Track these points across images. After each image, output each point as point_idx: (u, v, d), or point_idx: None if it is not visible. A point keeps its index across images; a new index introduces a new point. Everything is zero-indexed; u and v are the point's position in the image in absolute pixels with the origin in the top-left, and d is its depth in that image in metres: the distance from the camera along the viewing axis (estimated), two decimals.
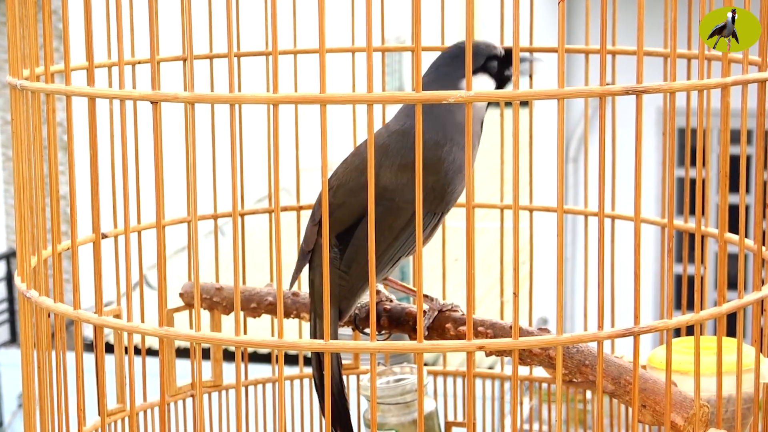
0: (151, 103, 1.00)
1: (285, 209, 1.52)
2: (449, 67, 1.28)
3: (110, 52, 1.37)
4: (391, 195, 1.22)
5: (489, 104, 1.31)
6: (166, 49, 1.42)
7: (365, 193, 1.20)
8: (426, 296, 1.30)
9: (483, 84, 1.27)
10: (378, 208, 1.21)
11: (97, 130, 1.03)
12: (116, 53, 1.04)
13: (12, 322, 7.25)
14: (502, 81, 1.29)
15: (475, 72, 1.26)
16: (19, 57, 1.17)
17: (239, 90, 1.40)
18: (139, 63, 1.41)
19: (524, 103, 1.01)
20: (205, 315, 1.50)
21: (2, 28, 7.13)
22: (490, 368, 4.14)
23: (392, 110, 1.50)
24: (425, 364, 1.14)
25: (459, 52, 1.27)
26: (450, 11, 1.56)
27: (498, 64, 1.28)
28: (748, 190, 1.09)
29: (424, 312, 1.29)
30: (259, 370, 1.65)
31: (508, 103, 1.61)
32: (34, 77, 1.14)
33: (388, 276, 1.30)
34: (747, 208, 1.10)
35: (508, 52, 1.28)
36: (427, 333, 1.29)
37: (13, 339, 7.24)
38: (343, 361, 1.62)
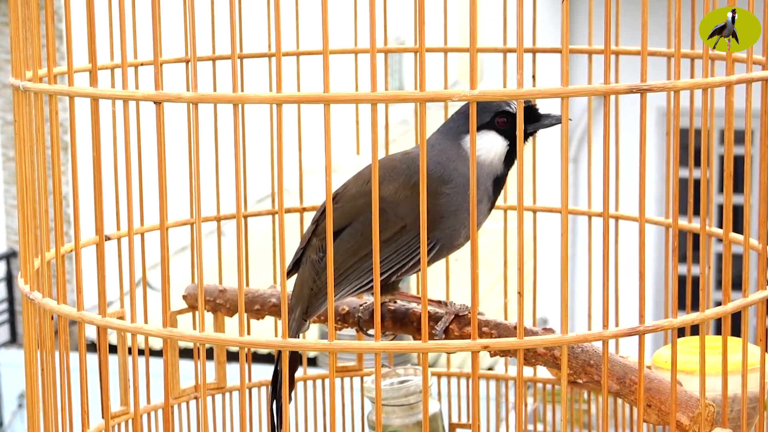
0: (155, 103, 1.00)
1: (288, 211, 1.51)
2: (455, 122, 1.26)
3: (113, 53, 1.37)
4: (384, 206, 1.21)
5: (508, 163, 1.26)
6: (169, 50, 1.42)
7: (362, 199, 1.22)
8: (440, 301, 1.29)
9: (489, 140, 1.24)
10: (367, 215, 1.21)
11: (101, 132, 1.03)
12: (119, 55, 1.04)
13: (12, 322, 7.25)
14: (514, 138, 1.23)
15: (480, 128, 1.23)
16: (22, 58, 1.16)
17: (242, 91, 1.40)
18: (142, 65, 1.41)
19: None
20: (208, 317, 1.49)
21: (4, 29, 7.12)
22: (490, 369, 4.15)
23: (394, 110, 1.50)
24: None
25: (468, 110, 1.23)
26: (452, 12, 1.56)
27: (509, 120, 1.24)
28: (751, 190, 1.09)
29: (441, 316, 1.29)
30: (261, 372, 1.64)
31: None
32: (36, 78, 1.14)
33: (398, 289, 1.30)
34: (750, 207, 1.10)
35: (530, 108, 1.24)
36: (443, 336, 1.28)
37: (13, 339, 7.24)
38: (347, 363, 1.62)
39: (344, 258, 1.24)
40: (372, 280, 1.21)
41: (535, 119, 1.25)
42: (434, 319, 1.29)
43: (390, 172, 1.25)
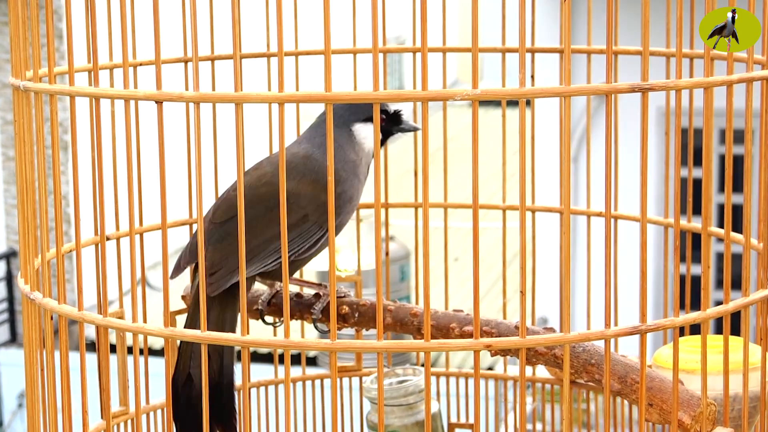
0: (156, 103, 1.00)
1: None
2: (344, 110, 1.37)
3: (112, 53, 1.37)
4: (288, 197, 1.26)
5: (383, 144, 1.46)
6: (167, 50, 1.42)
7: (264, 188, 1.32)
8: (319, 284, 1.42)
9: (369, 130, 1.37)
10: (273, 202, 1.28)
11: (101, 131, 1.03)
12: (119, 54, 1.04)
13: (12, 322, 7.25)
14: (386, 135, 1.41)
15: (365, 120, 1.37)
16: (22, 58, 1.16)
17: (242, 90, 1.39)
18: (142, 64, 1.41)
19: (525, 103, 1.01)
20: None
21: (4, 29, 7.12)
22: (490, 369, 4.15)
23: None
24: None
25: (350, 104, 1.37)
26: (451, 12, 1.56)
27: (387, 119, 1.39)
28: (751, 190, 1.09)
29: (318, 297, 1.40)
30: (259, 371, 1.64)
31: (509, 103, 1.61)
32: (37, 78, 1.14)
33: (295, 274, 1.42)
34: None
35: (396, 114, 1.40)
36: (321, 316, 1.38)
37: (13, 339, 7.24)
38: (345, 363, 1.62)
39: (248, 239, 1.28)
40: (273, 262, 1.31)
41: (399, 123, 1.40)
42: (308, 305, 1.39)
43: (291, 170, 1.34)
